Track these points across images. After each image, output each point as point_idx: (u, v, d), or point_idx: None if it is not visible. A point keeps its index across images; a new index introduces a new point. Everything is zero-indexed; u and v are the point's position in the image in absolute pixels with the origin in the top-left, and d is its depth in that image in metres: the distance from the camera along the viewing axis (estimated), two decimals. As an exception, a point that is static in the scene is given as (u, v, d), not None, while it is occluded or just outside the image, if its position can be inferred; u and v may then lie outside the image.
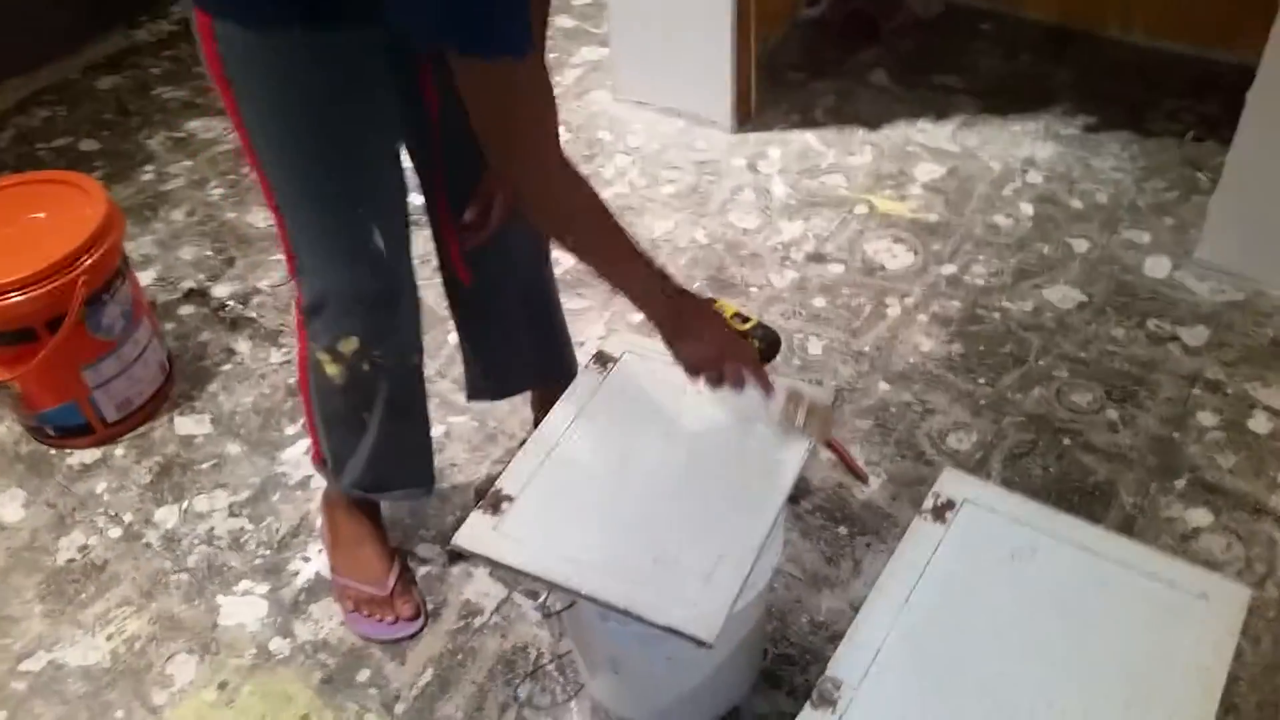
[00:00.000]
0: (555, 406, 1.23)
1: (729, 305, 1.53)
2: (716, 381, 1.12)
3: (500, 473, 1.16)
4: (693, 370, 1.13)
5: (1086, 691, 0.92)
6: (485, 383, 1.52)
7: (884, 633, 0.97)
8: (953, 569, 1.03)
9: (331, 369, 1.22)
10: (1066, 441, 1.61)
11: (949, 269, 1.96)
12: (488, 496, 1.14)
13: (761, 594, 1.15)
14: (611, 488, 1.14)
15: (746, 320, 1.50)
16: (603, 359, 1.30)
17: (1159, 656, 0.94)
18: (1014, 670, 0.95)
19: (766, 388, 1.14)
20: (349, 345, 1.19)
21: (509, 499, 1.14)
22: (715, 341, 1.12)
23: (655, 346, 1.30)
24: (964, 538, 1.06)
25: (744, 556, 1.07)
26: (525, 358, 1.48)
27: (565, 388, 1.26)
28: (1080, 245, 1.99)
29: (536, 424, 1.60)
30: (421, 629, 1.40)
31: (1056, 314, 1.85)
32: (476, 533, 1.11)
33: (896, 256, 2.00)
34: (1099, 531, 1.07)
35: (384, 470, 1.35)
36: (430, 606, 1.43)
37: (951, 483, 1.11)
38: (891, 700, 0.93)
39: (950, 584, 1.01)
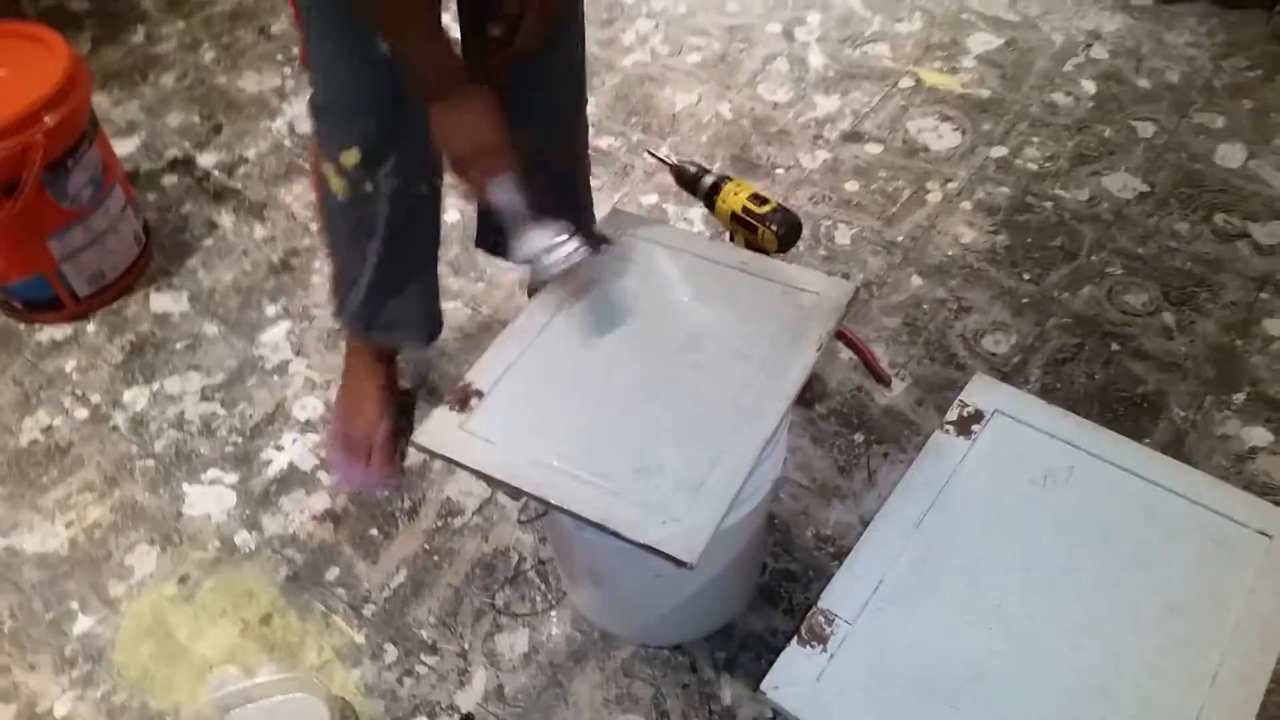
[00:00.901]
0: (539, 293, 1.09)
1: (748, 185, 1.36)
2: (468, 187, 1.05)
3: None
4: (451, 168, 1.06)
5: (1121, 638, 0.80)
6: (493, 231, 1.43)
7: (889, 561, 0.85)
8: (975, 489, 0.89)
9: (336, 183, 1.17)
10: (1115, 347, 1.45)
11: (999, 152, 1.76)
12: (455, 391, 1.01)
13: (760, 506, 1.03)
14: (594, 386, 1.01)
15: (764, 201, 1.33)
16: (595, 241, 1.15)
17: (1209, 601, 0.81)
18: (1039, 609, 0.82)
19: (517, 213, 1.04)
20: (350, 157, 1.14)
21: (479, 395, 1.01)
22: (474, 144, 1.03)
23: (659, 229, 1.16)
24: (991, 454, 0.92)
25: (738, 466, 0.93)
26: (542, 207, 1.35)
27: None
28: (1145, 129, 1.78)
29: None
30: (394, 489, 1.35)
31: (1114, 204, 1.66)
32: (441, 431, 0.98)
33: (942, 137, 1.80)
34: (1147, 452, 0.92)
35: (382, 307, 1.28)
36: (407, 504, 1.33)
37: (981, 390, 0.97)
38: (893, 640, 0.81)
39: (971, 507, 0.88)
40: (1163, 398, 1.39)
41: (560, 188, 1.35)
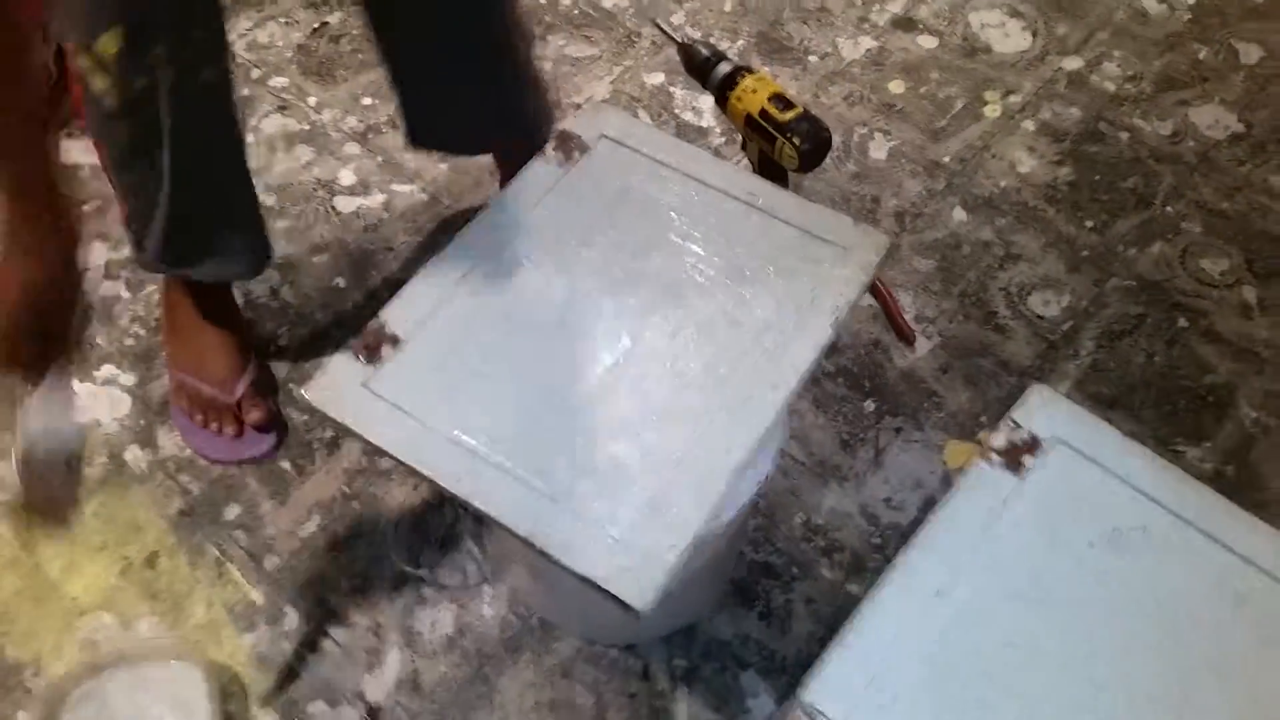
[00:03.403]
0: (481, 213, 0.86)
1: (770, 82, 1.10)
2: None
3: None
4: None
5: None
6: (424, 128, 1.16)
7: (899, 642, 0.65)
8: (1019, 548, 0.69)
9: (99, 82, 0.86)
10: (1183, 323, 1.22)
11: (1073, 63, 1.49)
12: (364, 334, 0.79)
13: (743, 511, 0.82)
14: (541, 346, 0.79)
15: (789, 106, 1.07)
16: (566, 143, 0.91)
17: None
18: (1082, 716, 0.63)
19: None
20: (111, 44, 0.83)
21: (394, 342, 0.79)
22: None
23: (649, 137, 0.91)
24: (1045, 500, 0.71)
25: (713, 477, 0.72)
26: (467, 103, 1.09)
27: (530, 150, 0.90)
28: (1249, 53, 1.50)
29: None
30: (273, 450, 1.11)
31: (1201, 144, 1.39)
32: (340, 387, 0.77)
33: (1009, 36, 1.52)
34: (1247, 519, 0.71)
35: (189, 235, 1.01)
36: (328, 433, 1.13)
37: (1040, 408, 0.75)
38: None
39: (1011, 573, 0.68)
40: (1232, 392, 1.17)
41: (489, 66, 1.07)
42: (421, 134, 1.16)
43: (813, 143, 1.05)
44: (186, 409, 1.11)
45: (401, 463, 0.73)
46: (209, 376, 1.09)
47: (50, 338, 0.78)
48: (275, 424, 1.11)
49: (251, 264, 1.08)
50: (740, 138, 1.12)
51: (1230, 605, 0.67)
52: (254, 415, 1.09)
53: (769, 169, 1.09)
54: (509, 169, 1.16)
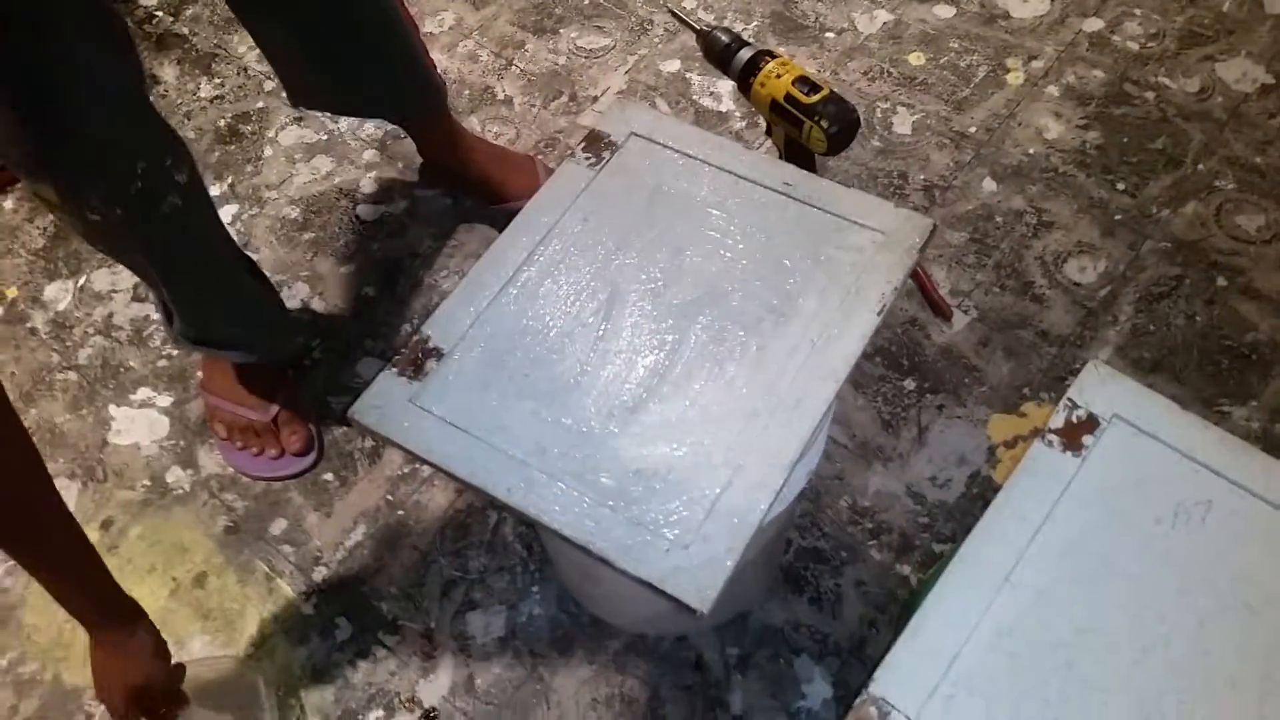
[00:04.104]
0: (516, 219, 0.85)
1: (793, 65, 1.08)
2: None
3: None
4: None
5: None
6: (302, 90, 1.13)
7: (967, 630, 0.64)
8: (1083, 529, 0.68)
9: (57, 212, 0.83)
10: (1222, 282, 1.21)
11: (1094, 24, 1.46)
12: (408, 350, 0.79)
13: (792, 504, 0.82)
14: (589, 349, 0.78)
15: (815, 89, 1.05)
16: (596, 143, 0.90)
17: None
18: (1159, 705, 0.62)
19: None
20: (47, 194, 0.80)
21: (437, 355, 0.79)
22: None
23: (677, 131, 0.90)
24: (1107, 478, 0.70)
25: (768, 477, 0.72)
26: (356, 71, 1.08)
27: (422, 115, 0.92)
28: (1275, 3, 1.47)
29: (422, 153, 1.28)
30: (311, 467, 1.11)
31: (1230, 100, 1.37)
32: (387, 405, 0.76)
33: (1027, 1, 1.49)
34: (1315, 485, 0.70)
35: (205, 326, 1.01)
36: (368, 443, 1.13)
37: (1096, 385, 0.74)
38: (967, 740, 0.61)
39: (1077, 555, 0.67)
40: (1275, 349, 1.15)
41: (375, 38, 1.05)
42: (301, 96, 1.14)
43: (841, 125, 1.03)
44: (224, 433, 1.11)
45: (455, 477, 0.73)
46: (244, 399, 1.09)
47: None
48: (313, 444, 1.11)
49: (272, 348, 1.08)
50: (763, 122, 1.10)
51: (1302, 576, 0.66)
52: (291, 442, 1.09)
53: (795, 153, 1.07)
54: (412, 128, 1.22)
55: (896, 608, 1.00)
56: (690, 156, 0.88)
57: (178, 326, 1.01)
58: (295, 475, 1.10)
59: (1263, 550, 0.67)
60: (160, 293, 0.98)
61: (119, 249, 0.91)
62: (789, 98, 1.02)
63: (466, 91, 1.43)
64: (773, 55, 1.05)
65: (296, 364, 1.18)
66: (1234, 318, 1.18)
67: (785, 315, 0.79)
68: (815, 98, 1.02)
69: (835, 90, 1.03)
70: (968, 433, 1.10)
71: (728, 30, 1.07)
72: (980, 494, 1.06)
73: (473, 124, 1.39)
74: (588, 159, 0.89)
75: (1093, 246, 1.24)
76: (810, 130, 1.02)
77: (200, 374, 1.15)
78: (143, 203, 0.84)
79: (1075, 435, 0.71)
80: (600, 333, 0.79)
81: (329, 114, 1.30)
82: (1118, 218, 1.26)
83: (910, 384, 1.14)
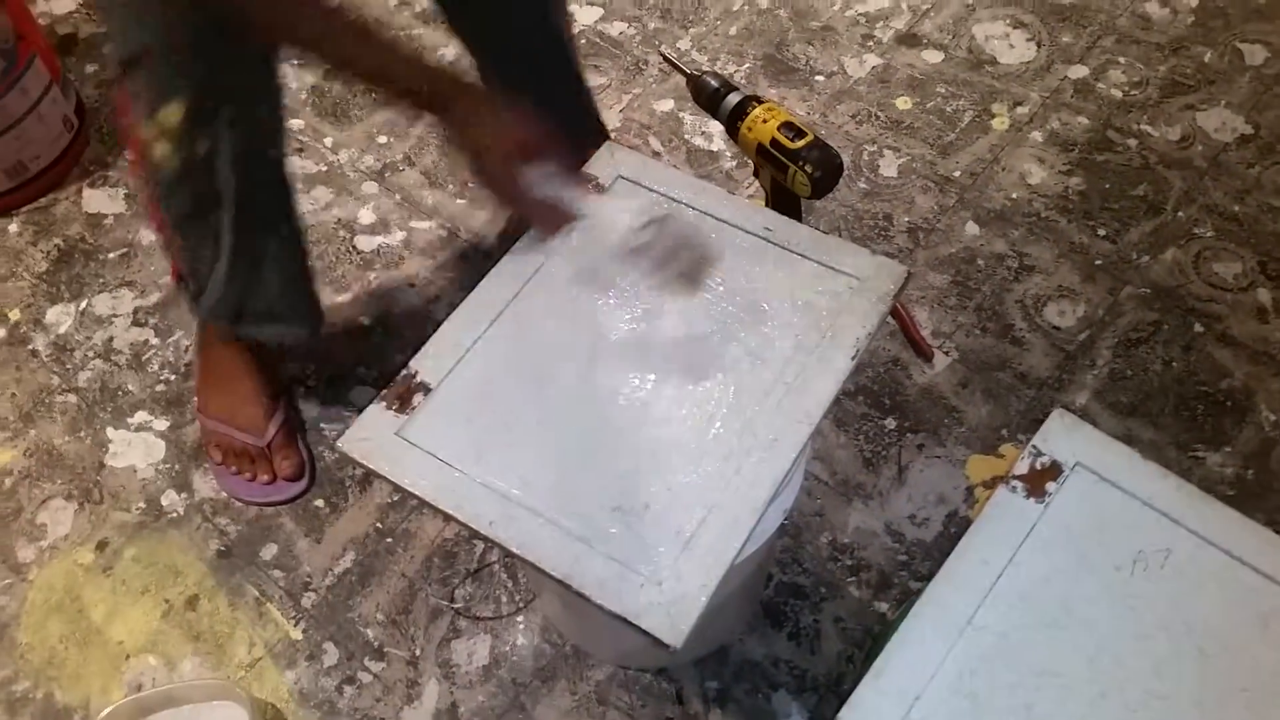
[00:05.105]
0: (504, 258, 0.88)
1: (780, 110, 1.12)
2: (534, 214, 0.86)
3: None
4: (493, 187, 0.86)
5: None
6: None
7: (930, 670, 0.66)
8: (1046, 574, 0.70)
9: (160, 149, 0.91)
10: (1199, 328, 1.23)
11: (1079, 71, 1.50)
12: (395, 384, 0.81)
13: (768, 541, 0.84)
14: (568, 389, 0.81)
15: (800, 136, 1.09)
16: (583, 185, 0.93)
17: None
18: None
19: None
20: (173, 115, 0.88)
21: (424, 389, 0.81)
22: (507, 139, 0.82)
23: (663, 176, 0.93)
24: (1069, 525, 0.72)
25: (742, 515, 0.74)
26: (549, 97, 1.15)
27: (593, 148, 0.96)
28: (1254, 54, 1.50)
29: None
30: (303, 493, 1.14)
31: (1210, 148, 1.40)
32: (374, 438, 0.79)
33: (1014, 47, 1.53)
34: (1267, 535, 0.72)
35: (248, 295, 1.04)
36: (359, 471, 1.15)
37: (1061, 434, 0.76)
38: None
39: (1039, 599, 0.69)
40: (1250, 396, 1.18)
41: (557, 81, 1.15)
42: None
43: (825, 170, 1.06)
44: (219, 458, 1.13)
45: (438, 510, 0.75)
46: (240, 423, 1.12)
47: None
48: (305, 470, 1.14)
49: (310, 324, 1.11)
50: (752, 165, 1.13)
51: (1256, 624, 0.68)
52: (284, 468, 1.12)
53: (782, 195, 1.11)
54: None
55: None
56: (674, 200, 0.91)
57: (214, 303, 1.04)
58: (286, 501, 1.12)
59: (1218, 597, 0.69)
60: (220, 259, 1.00)
61: (204, 197, 0.96)
62: (775, 143, 1.06)
63: (465, 126, 1.46)
64: (760, 100, 1.09)
65: (288, 391, 1.20)
66: (1210, 364, 1.21)
67: (762, 358, 0.82)
68: (800, 143, 1.06)
69: (820, 136, 1.06)
70: (947, 472, 1.13)
71: (717, 75, 1.11)
72: (958, 533, 1.08)
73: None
74: (577, 201, 0.92)
75: (1073, 291, 1.27)
76: (795, 174, 1.05)
77: (196, 399, 1.17)
78: (253, 142, 0.94)
79: (1039, 482, 0.74)
80: (583, 370, 0.82)
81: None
82: (1098, 263, 1.29)
83: (891, 423, 1.16)
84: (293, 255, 1.07)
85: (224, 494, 1.14)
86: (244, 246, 1.00)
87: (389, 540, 1.10)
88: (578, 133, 1.19)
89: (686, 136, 1.44)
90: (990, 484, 1.13)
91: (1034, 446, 0.75)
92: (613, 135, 1.40)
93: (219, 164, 0.92)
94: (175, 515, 1.13)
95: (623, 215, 0.86)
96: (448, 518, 0.76)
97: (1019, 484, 0.74)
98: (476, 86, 0.84)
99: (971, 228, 1.33)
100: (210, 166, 0.92)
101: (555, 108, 1.12)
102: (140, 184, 1.02)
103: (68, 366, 1.26)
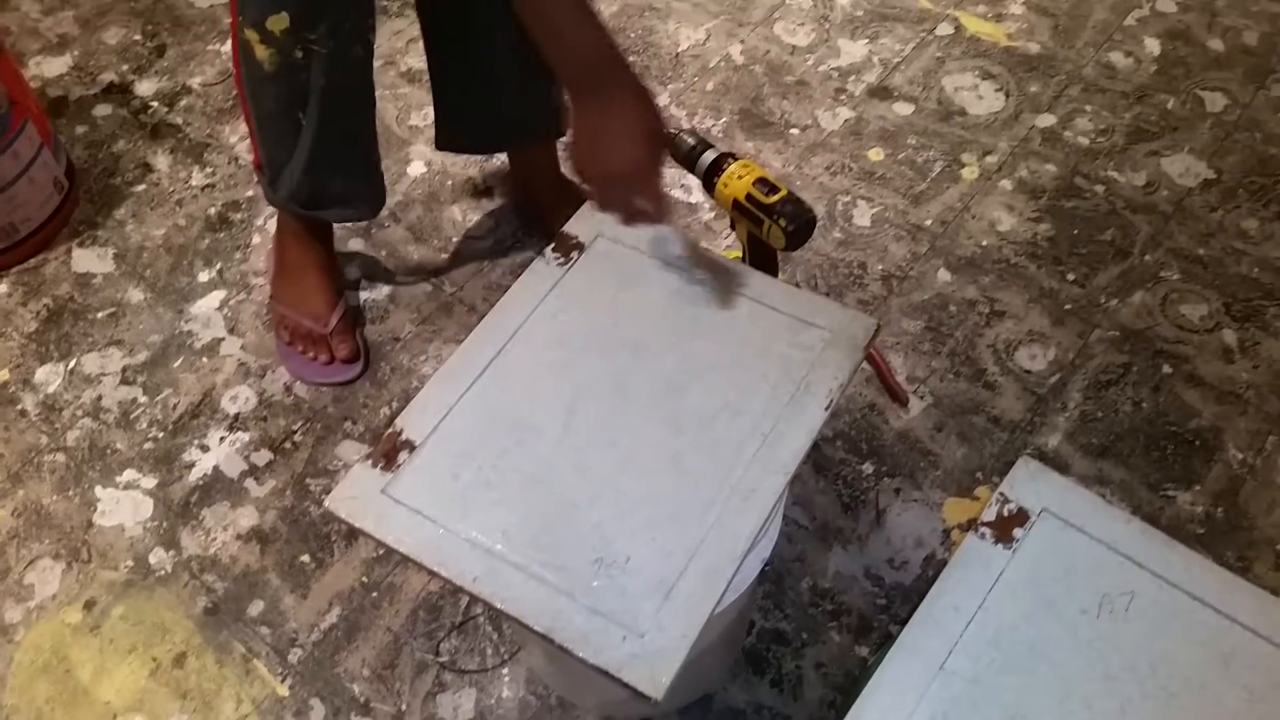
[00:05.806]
0: (488, 315, 0.90)
1: (754, 167, 1.15)
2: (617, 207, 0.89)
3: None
4: (586, 175, 0.89)
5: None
6: (459, 127, 1.32)
7: (903, 715, 0.68)
8: (1014, 619, 0.72)
9: (261, 52, 1.04)
10: (1167, 369, 1.26)
11: (1046, 120, 1.54)
12: (381, 443, 0.83)
13: (747, 591, 0.86)
14: (550, 444, 0.83)
15: (774, 190, 1.12)
16: (564, 244, 0.96)
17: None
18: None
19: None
20: (279, 23, 1.02)
21: (409, 447, 0.83)
22: (630, 143, 0.85)
23: (640, 233, 0.96)
24: (1036, 570, 0.74)
25: (721, 564, 0.76)
26: (507, 101, 1.26)
27: (552, 141, 1.11)
28: (1215, 101, 1.56)
29: (520, 180, 1.43)
30: (359, 376, 1.28)
31: (1174, 193, 1.45)
32: (359, 496, 0.81)
33: (983, 98, 1.58)
34: (1228, 578, 0.74)
35: (323, 182, 1.19)
36: (344, 526, 1.16)
37: (1027, 481, 0.79)
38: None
39: (1008, 643, 0.71)
40: (1218, 435, 1.21)
41: (530, 77, 1.23)
42: (462, 134, 1.32)
43: (798, 223, 1.09)
44: (287, 338, 1.29)
45: (423, 566, 0.77)
46: (308, 311, 1.27)
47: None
48: (360, 356, 1.28)
49: (373, 207, 1.26)
50: (729, 218, 1.16)
51: (1218, 664, 0.70)
52: (342, 350, 1.27)
53: (757, 248, 1.14)
54: (530, 161, 1.39)
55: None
56: (653, 258, 0.94)
57: (291, 191, 1.18)
58: (343, 382, 1.27)
59: (1181, 638, 0.71)
60: (300, 150, 1.13)
61: (292, 94, 1.08)
62: (750, 198, 1.09)
63: (449, 182, 1.49)
64: (735, 157, 1.12)
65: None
66: (1179, 404, 1.24)
67: (739, 410, 0.84)
68: (774, 198, 1.09)
69: (793, 191, 1.10)
70: (924, 515, 1.15)
71: (693, 132, 1.14)
72: (935, 576, 1.10)
73: (454, 214, 1.45)
74: (557, 259, 0.95)
75: (1043, 335, 1.30)
76: (770, 228, 1.08)
77: (271, 289, 1.32)
78: (342, 43, 1.04)
79: (1007, 528, 0.76)
80: (564, 426, 0.84)
81: (464, 154, 1.47)
82: (1067, 307, 1.32)
83: (869, 467, 1.19)
84: (368, 148, 1.20)
85: (212, 550, 1.15)
86: (325, 141, 1.12)
87: (374, 595, 1.11)
88: (540, 125, 1.30)
89: (666, 189, 1.47)
90: (967, 526, 1.15)
91: (1001, 494, 0.78)
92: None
93: (312, 68, 1.04)
94: (163, 573, 1.14)
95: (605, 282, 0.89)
96: (433, 575, 0.77)
97: (987, 530, 0.76)
98: (641, 81, 0.89)
99: (943, 275, 1.36)
100: (304, 70, 1.04)
101: (521, 91, 1.22)
102: (235, 79, 1.14)
103: (56, 425, 1.27)
